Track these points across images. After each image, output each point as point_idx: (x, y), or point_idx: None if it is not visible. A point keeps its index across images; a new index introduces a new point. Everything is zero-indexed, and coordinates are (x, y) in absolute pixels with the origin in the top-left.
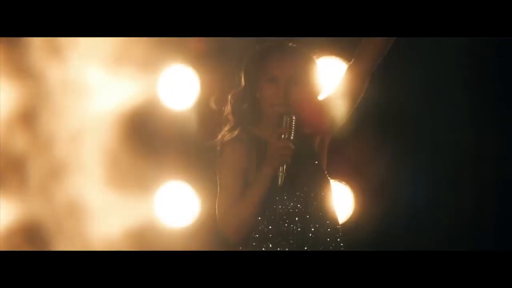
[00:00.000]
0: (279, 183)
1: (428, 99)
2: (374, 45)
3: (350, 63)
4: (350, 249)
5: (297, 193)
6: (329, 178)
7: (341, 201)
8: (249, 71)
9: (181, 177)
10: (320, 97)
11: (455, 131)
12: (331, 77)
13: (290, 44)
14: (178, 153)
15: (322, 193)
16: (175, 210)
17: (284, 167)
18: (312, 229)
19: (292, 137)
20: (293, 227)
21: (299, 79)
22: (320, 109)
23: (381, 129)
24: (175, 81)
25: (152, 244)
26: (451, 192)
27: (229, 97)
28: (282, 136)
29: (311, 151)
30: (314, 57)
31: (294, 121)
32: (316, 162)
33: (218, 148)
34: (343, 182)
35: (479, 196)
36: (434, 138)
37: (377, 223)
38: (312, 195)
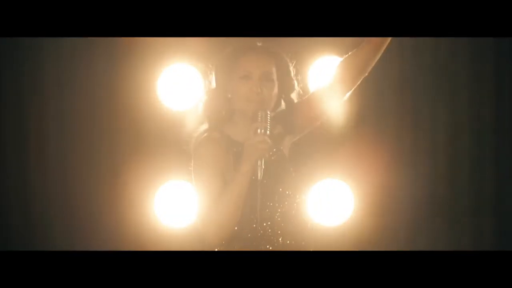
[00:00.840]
0: (259, 177)
1: (427, 99)
2: (372, 44)
3: (345, 56)
4: (350, 249)
5: (273, 195)
6: (295, 177)
7: (341, 200)
8: (221, 72)
9: (181, 177)
10: (306, 94)
11: (454, 130)
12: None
13: (260, 44)
14: (178, 153)
15: (295, 193)
16: (175, 210)
17: (263, 161)
18: (289, 229)
19: (268, 132)
20: (268, 229)
21: (272, 76)
22: (308, 105)
23: (381, 129)
24: (176, 80)
25: (152, 244)
26: (450, 192)
27: (201, 96)
28: (258, 130)
29: (280, 151)
30: (286, 57)
31: (269, 116)
32: (285, 161)
33: (193, 149)
34: (343, 181)
35: (479, 196)
36: (433, 138)
37: (377, 223)
38: (285, 195)
